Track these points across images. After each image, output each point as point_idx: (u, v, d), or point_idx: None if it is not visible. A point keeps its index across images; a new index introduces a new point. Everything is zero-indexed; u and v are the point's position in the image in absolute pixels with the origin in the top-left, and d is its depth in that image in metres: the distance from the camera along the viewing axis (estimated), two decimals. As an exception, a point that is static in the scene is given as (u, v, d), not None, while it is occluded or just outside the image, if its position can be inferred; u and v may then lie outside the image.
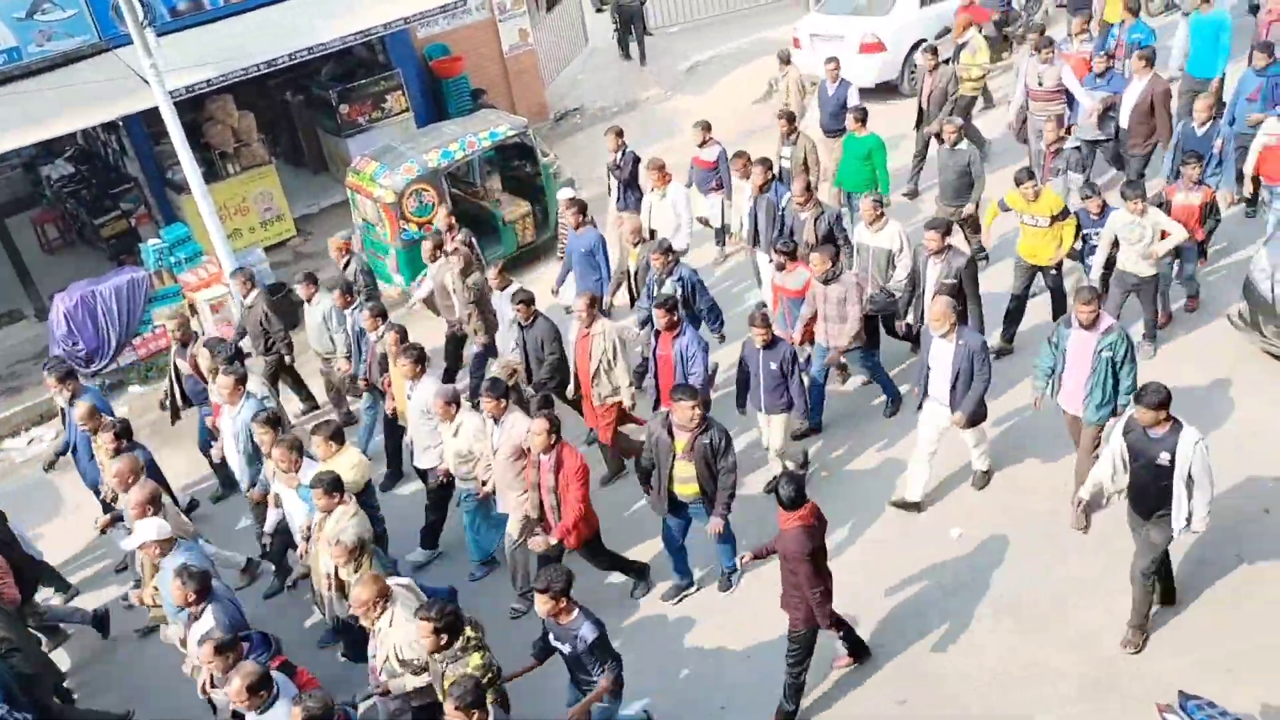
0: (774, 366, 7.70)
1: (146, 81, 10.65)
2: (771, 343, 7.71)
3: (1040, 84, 11.04)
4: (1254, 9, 13.62)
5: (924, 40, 14.26)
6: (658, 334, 8.01)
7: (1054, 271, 9.09)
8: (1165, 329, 9.19)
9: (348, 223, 12.39)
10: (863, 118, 10.60)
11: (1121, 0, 11.91)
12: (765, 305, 9.43)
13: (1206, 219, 8.89)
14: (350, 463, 7.09)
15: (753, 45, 17.10)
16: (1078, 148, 10.31)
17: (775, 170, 10.17)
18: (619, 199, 11.18)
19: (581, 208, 9.78)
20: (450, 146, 11.51)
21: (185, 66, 11.37)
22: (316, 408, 10.32)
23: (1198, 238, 8.86)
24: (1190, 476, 5.98)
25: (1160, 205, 8.77)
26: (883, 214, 8.89)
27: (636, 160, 11.07)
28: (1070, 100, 11.07)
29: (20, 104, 11.25)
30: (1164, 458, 6.00)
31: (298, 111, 14.81)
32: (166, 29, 11.74)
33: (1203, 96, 10.00)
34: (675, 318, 7.90)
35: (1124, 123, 10.60)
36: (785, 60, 12.81)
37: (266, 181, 13.19)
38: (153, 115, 11.22)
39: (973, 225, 10.23)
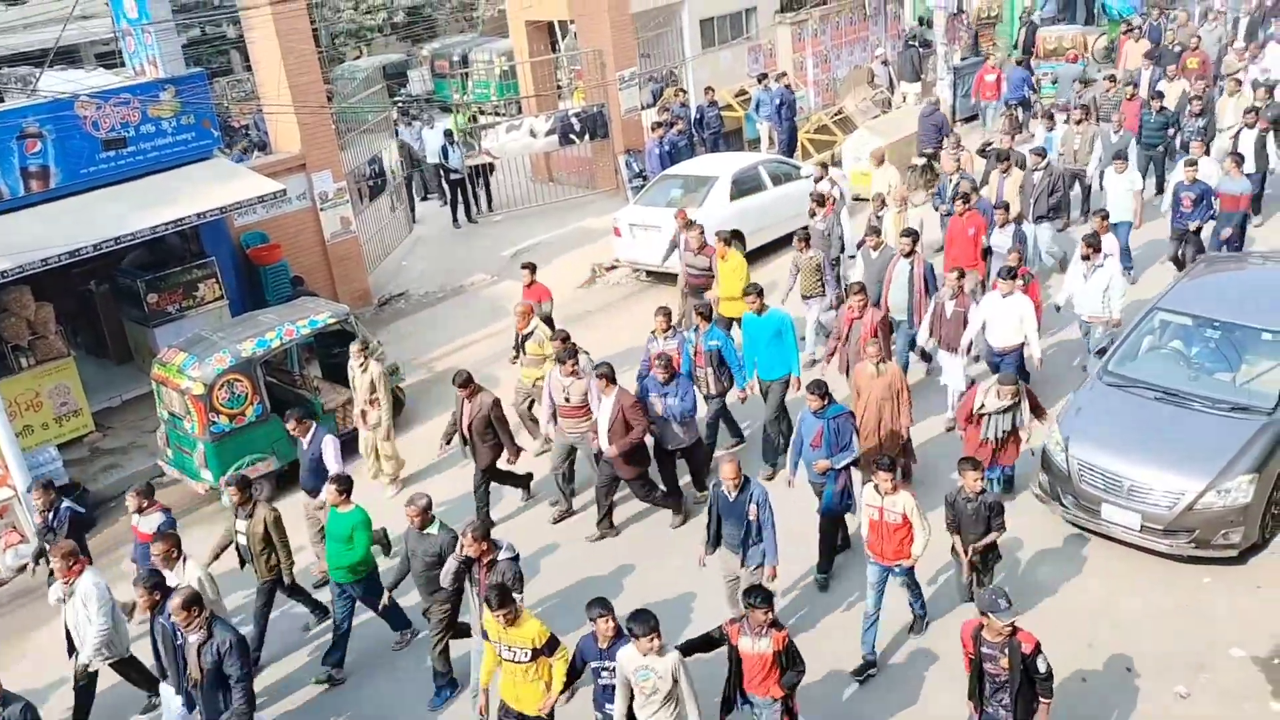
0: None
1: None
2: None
3: (567, 399, 9.74)
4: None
5: (738, 230, 15.08)
6: None
7: None
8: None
9: (152, 416, 11.74)
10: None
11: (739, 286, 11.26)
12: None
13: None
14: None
15: (575, 233, 17.64)
16: None
17: None
18: None
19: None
20: (266, 335, 11.19)
21: (-23, 257, 10.77)
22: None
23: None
24: None
25: None
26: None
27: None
28: None
29: None
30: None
31: (102, 301, 14.16)
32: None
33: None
34: None
35: (605, 446, 9.46)
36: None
37: (64, 374, 12.41)
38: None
39: None
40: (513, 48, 21.95)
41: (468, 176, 18.60)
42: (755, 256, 15.02)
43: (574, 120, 18.64)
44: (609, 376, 9.43)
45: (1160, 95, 16.40)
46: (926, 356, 11.79)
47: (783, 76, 19.97)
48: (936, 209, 14.44)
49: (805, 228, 12.95)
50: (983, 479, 7.75)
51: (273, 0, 13.92)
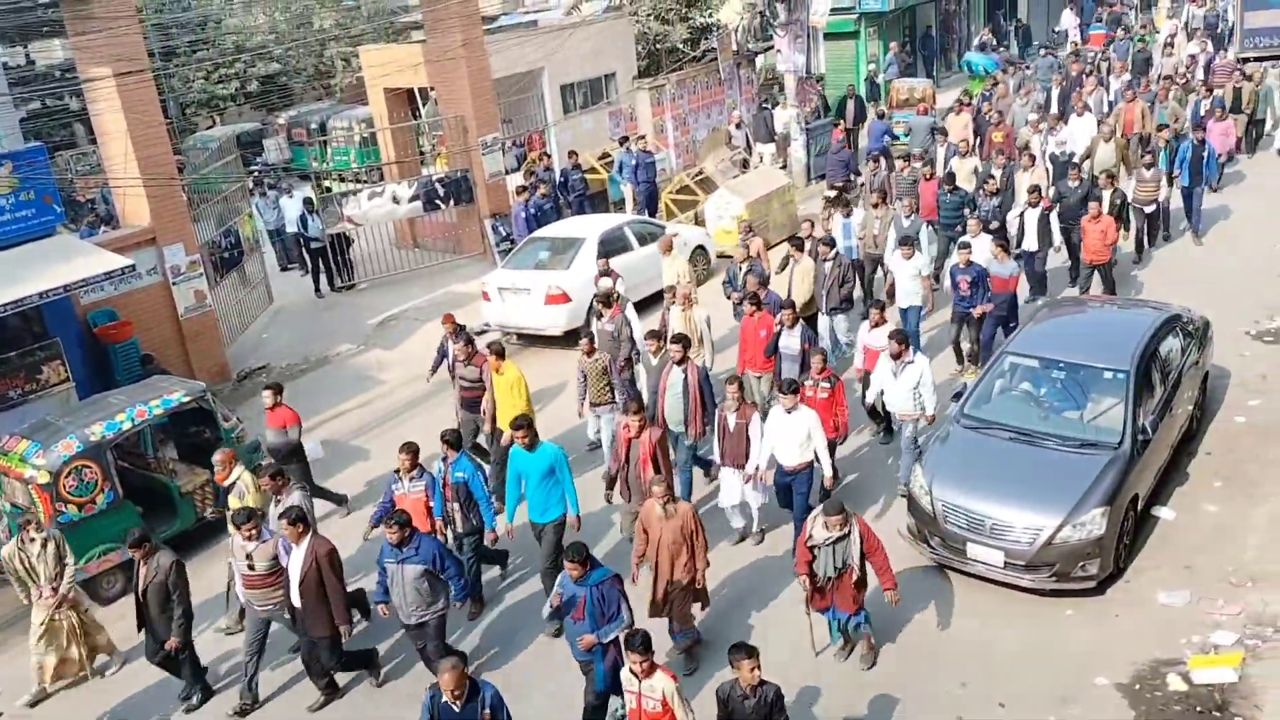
0: None
1: None
2: None
3: (251, 567, 8.50)
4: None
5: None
6: None
7: None
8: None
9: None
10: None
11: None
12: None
13: None
14: None
15: (444, 298, 17.47)
16: None
17: None
18: None
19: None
20: (117, 418, 10.65)
21: None
22: None
23: None
24: None
25: None
26: None
27: None
28: None
29: None
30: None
31: (-67, 388, 13.27)
32: None
33: None
34: None
35: (296, 600, 8.33)
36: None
37: (-109, 469, 11.53)
38: None
39: None
40: (372, 114, 21.81)
41: (328, 245, 18.27)
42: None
43: (438, 186, 18.57)
44: (302, 520, 8.18)
45: (951, 176, 15.99)
46: (705, 465, 10.88)
47: (641, 140, 20.37)
48: (728, 297, 13.55)
49: (590, 332, 12.03)
50: (758, 669, 6.44)
51: (117, 72, 13.51)
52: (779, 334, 11.33)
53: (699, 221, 18.65)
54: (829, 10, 21.81)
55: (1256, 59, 12.81)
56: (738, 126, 22.14)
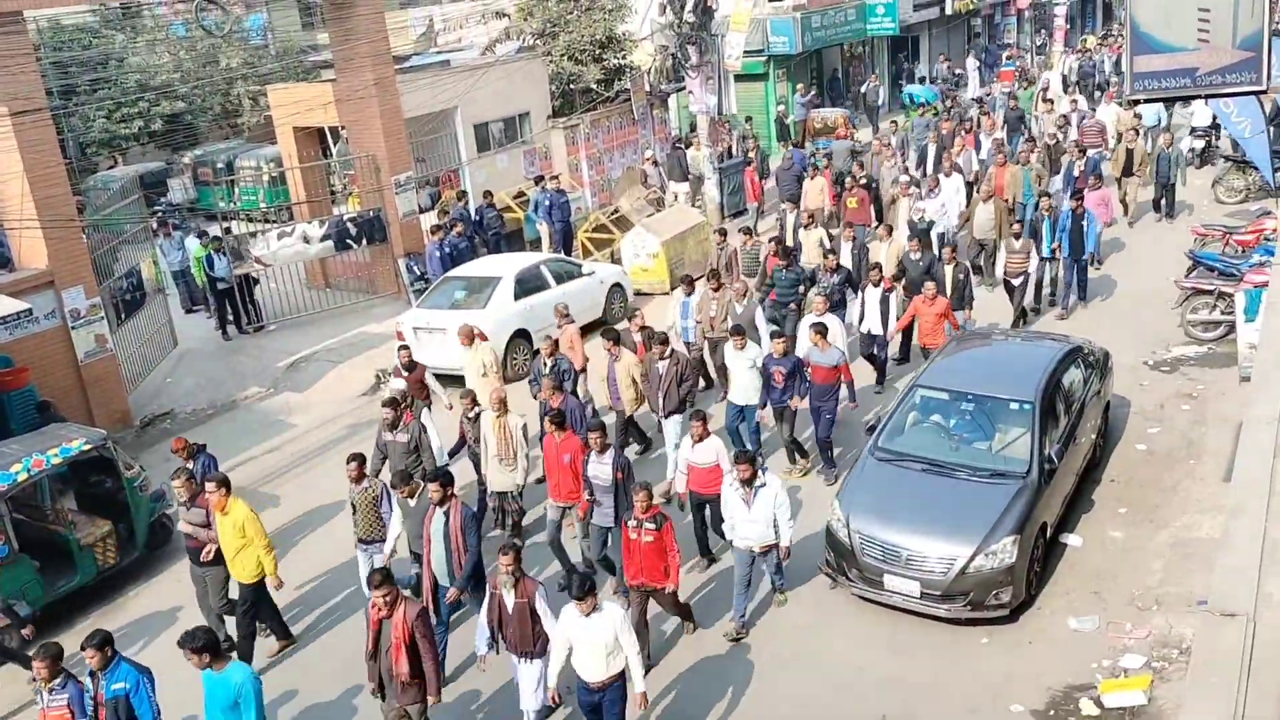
0: None
1: None
2: None
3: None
4: None
5: (524, 329, 15.17)
6: None
7: None
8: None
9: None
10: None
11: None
12: None
13: None
14: None
15: (357, 339, 17.19)
16: None
17: None
18: None
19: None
20: (12, 468, 10.19)
21: None
22: None
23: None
24: None
25: None
26: None
27: None
28: None
29: None
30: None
31: None
32: None
33: None
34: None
35: None
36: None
37: None
38: None
39: None
40: (281, 154, 21.47)
41: (235, 286, 17.86)
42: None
43: (350, 225, 18.31)
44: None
45: (788, 251, 14.79)
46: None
47: (555, 179, 20.43)
48: (535, 397, 11.61)
49: (360, 454, 9.42)
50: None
51: (13, 111, 13.08)
52: (587, 460, 9.28)
53: (615, 260, 18.73)
54: (741, 53, 22.23)
55: (1146, 101, 13.23)
56: (654, 165, 22.36)
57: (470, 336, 12.34)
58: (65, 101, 24.82)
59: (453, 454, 11.16)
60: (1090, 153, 19.31)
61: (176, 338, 17.61)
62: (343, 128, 19.32)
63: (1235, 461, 6.68)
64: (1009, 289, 15.14)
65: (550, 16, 23.06)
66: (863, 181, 18.50)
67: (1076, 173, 18.18)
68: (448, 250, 17.44)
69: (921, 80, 30.72)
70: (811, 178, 19.15)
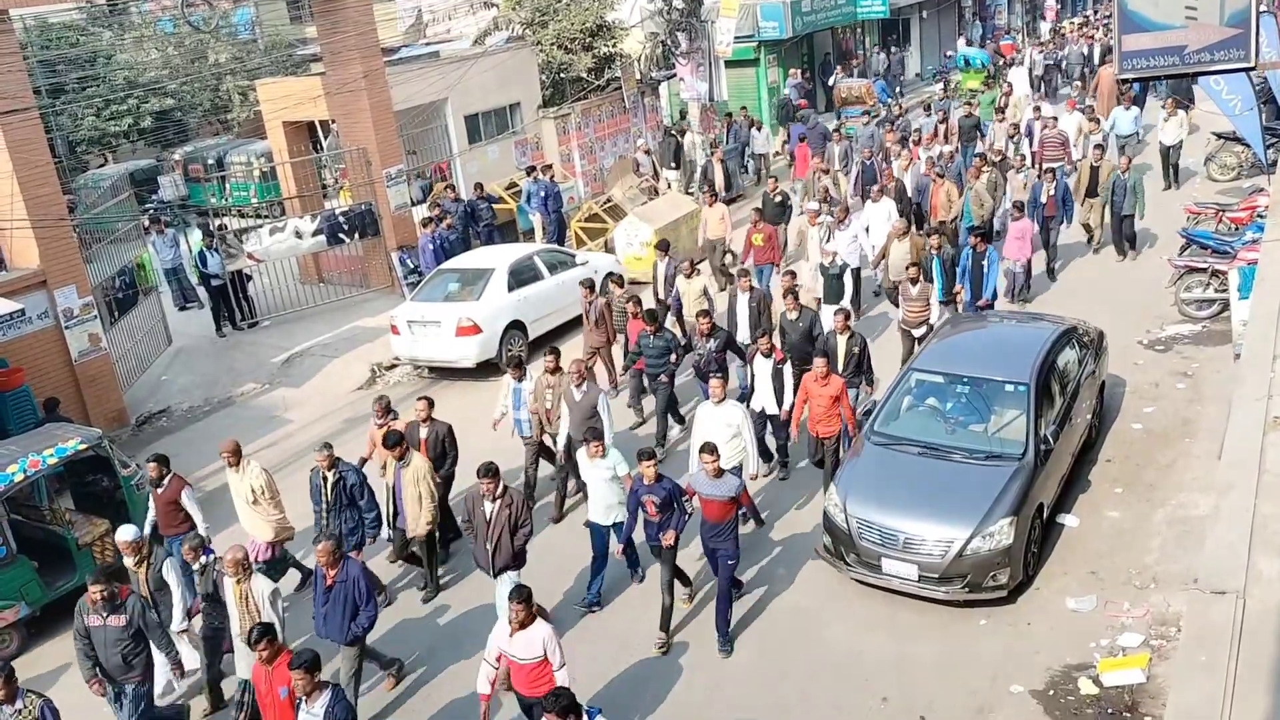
0: None
1: None
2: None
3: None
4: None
5: (519, 320, 15.18)
6: None
7: None
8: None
9: None
10: None
11: None
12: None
13: None
14: None
15: (351, 333, 17.17)
16: None
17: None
18: None
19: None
20: (8, 469, 10.18)
21: None
22: None
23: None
24: None
25: None
26: None
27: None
28: None
29: None
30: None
31: None
32: None
33: None
34: None
35: None
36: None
37: None
38: None
39: None
40: (271, 149, 21.40)
41: (228, 282, 17.82)
42: (537, 345, 15.08)
43: (341, 219, 18.27)
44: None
45: (652, 314, 12.05)
46: None
47: (548, 169, 20.39)
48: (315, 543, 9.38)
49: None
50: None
51: (0, 111, 13.02)
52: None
53: (609, 249, 18.71)
54: (732, 39, 22.19)
55: (1136, 79, 13.01)
56: (646, 153, 22.32)
57: (237, 454, 9.68)
58: (54, 100, 24.70)
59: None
60: (1056, 168, 17.38)
61: (171, 335, 17.59)
62: (333, 121, 19.26)
63: (1224, 439, 6.69)
64: (909, 341, 12.70)
65: (539, 5, 22.99)
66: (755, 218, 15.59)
67: (1045, 198, 15.90)
68: (440, 243, 17.43)
69: (969, 43, 28.69)
70: (710, 204, 16.72)
